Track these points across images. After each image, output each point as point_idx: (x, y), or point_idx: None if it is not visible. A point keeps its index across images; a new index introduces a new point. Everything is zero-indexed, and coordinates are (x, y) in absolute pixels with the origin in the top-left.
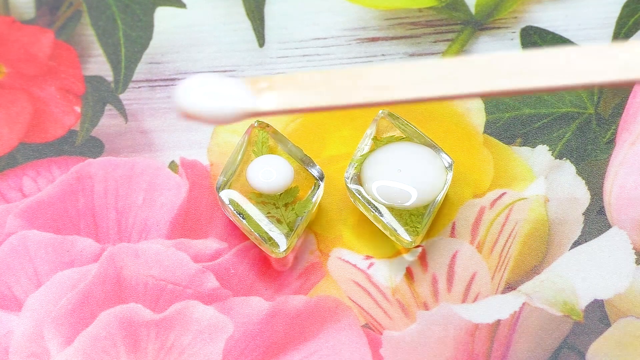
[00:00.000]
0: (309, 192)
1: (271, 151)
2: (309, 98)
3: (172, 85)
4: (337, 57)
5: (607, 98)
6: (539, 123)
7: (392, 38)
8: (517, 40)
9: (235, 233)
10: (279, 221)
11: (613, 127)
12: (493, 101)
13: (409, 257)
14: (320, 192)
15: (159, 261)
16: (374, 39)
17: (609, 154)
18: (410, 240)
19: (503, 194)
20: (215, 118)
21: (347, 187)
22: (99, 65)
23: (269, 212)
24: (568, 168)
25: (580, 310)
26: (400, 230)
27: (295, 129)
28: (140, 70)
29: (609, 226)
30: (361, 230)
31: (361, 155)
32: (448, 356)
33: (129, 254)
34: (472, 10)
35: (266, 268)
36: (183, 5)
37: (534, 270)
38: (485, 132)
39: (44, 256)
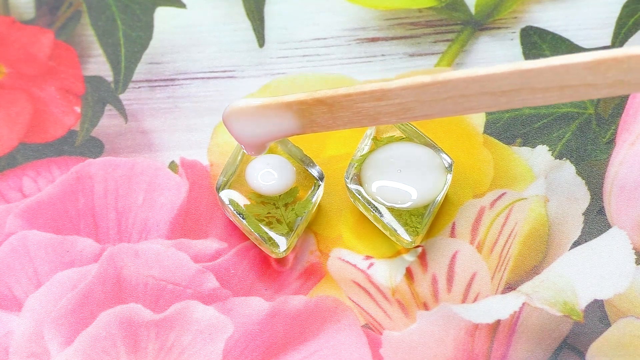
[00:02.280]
0: (309, 192)
1: (271, 151)
2: (342, 122)
3: (172, 85)
4: (337, 57)
5: (607, 98)
6: (539, 123)
7: (392, 38)
8: (517, 41)
9: (235, 233)
10: (278, 221)
11: (613, 127)
12: None
13: (409, 257)
14: (320, 192)
15: (159, 261)
16: (373, 39)
17: (609, 154)
18: (410, 240)
19: (503, 194)
20: (259, 143)
21: (347, 187)
22: (99, 66)
23: (269, 212)
24: (568, 168)
25: (580, 310)
26: (400, 230)
27: None
28: (140, 71)
29: (609, 226)
30: (361, 230)
31: (361, 155)
32: (448, 356)
33: (129, 254)
34: (472, 10)
35: (266, 268)
36: (183, 5)
37: (534, 270)
38: (485, 132)
39: (44, 256)
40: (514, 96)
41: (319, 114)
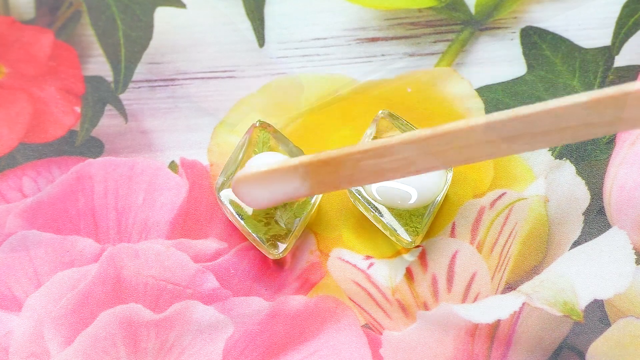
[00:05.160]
0: None
1: (272, 151)
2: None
3: (172, 85)
4: (337, 57)
5: None
6: None
7: (392, 38)
8: (517, 41)
9: (235, 233)
10: (277, 222)
11: None
12: (493, 101)
13: (409, 257)
14: None
15: (159, 261)
16: (373, 39)
17: (609, 154)
18: (410, 240)
19: (503, 194)
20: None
21: None
22: (99, 66)
23: (268, 213)
24: (568, 168)
25: (580, 310)
26: (400, 230)
27: (295, 129)
28: (140, 71)
29: (609, 226)
30: (361, 230)
31: None
32: (448, 356)
33: (129, 254)
34: (472, 10)
35: (266, 268)
36: (183, 5)
37: (534, 270)
38: None
39: (44, 256)
40: (514, 142)
41: (324, 174)
